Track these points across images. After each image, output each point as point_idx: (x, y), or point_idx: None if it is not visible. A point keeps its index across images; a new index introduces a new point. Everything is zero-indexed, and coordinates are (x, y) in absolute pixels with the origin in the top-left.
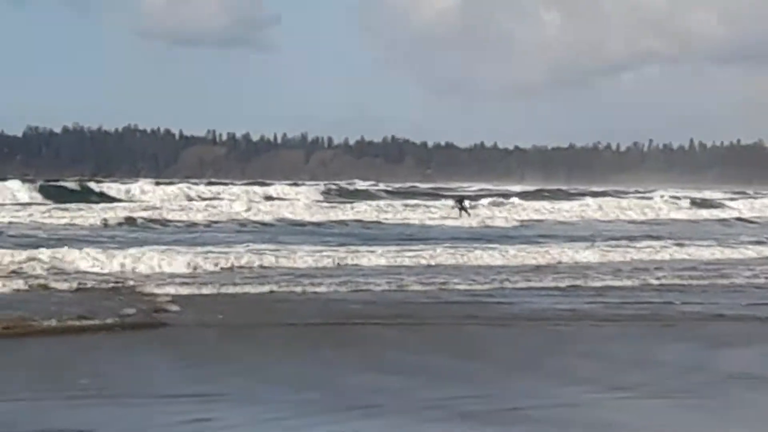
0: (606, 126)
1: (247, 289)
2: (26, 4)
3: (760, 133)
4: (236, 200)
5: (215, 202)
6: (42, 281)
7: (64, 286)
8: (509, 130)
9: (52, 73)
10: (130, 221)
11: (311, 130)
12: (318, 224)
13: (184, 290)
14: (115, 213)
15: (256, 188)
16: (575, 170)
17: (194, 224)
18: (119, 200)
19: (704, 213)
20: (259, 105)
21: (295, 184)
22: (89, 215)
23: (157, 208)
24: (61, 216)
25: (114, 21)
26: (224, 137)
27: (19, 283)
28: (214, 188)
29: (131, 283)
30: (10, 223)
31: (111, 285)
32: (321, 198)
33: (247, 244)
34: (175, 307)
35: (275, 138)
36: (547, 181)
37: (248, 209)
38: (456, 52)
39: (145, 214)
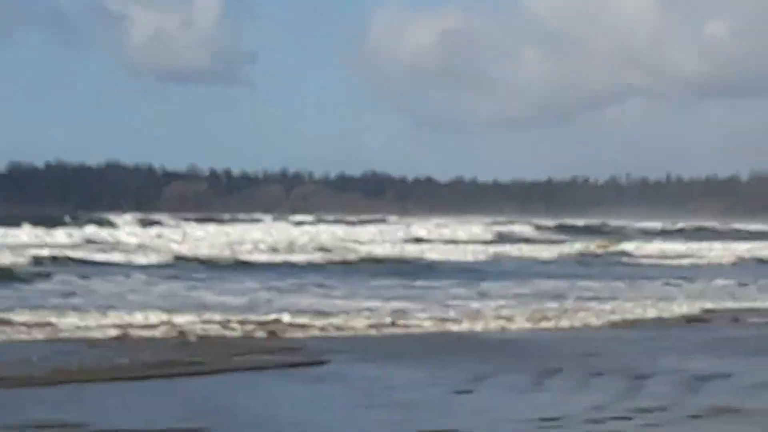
0: (584, 160)
1: None
2: (12, 40)
3: (736, 167)
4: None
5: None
6: None
7: None
8: (489, 165)
9: (36, 107)
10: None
11: (291, 164)
12: None
13: None
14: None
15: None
16: (554, 204)
17: None
18: None
19: None
20: (239, 140)
21: None
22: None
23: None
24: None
25: (98, 57)
26: (205, 172)
27: None
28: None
29: None
30: None
31: None
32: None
33: None
34: None
35: (256, 173)
36: (524, 214)
37: None
38: (436, 87)
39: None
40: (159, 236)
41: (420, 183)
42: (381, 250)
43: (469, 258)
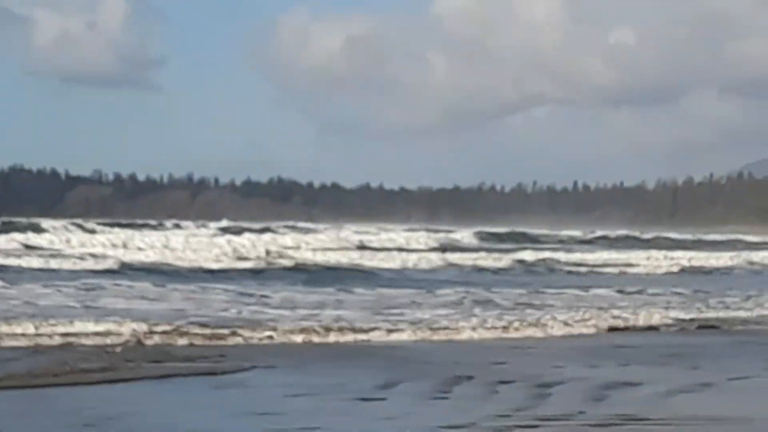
0: (491, 167)
1: None
2: None
3: (643, 175)
4: None
5: None
6: None
7: None
8: (395, 171)
9: None
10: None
11: (198, 170)
12: None
13: None
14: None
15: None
16: (461, 211)
17: None
18: None
19: None
20: (145, 145)
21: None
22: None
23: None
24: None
25: (1, 59)
26: (110, 177)
27: None
28: None
29: None
30: None
31: None
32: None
33: None
34: None
35: (161, 178)
36: (432, 222)
37: None
38: (345, 93)
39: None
40: (97, 243)
41: (327, 189)
42: (319, 258)
43: (409, 266)
